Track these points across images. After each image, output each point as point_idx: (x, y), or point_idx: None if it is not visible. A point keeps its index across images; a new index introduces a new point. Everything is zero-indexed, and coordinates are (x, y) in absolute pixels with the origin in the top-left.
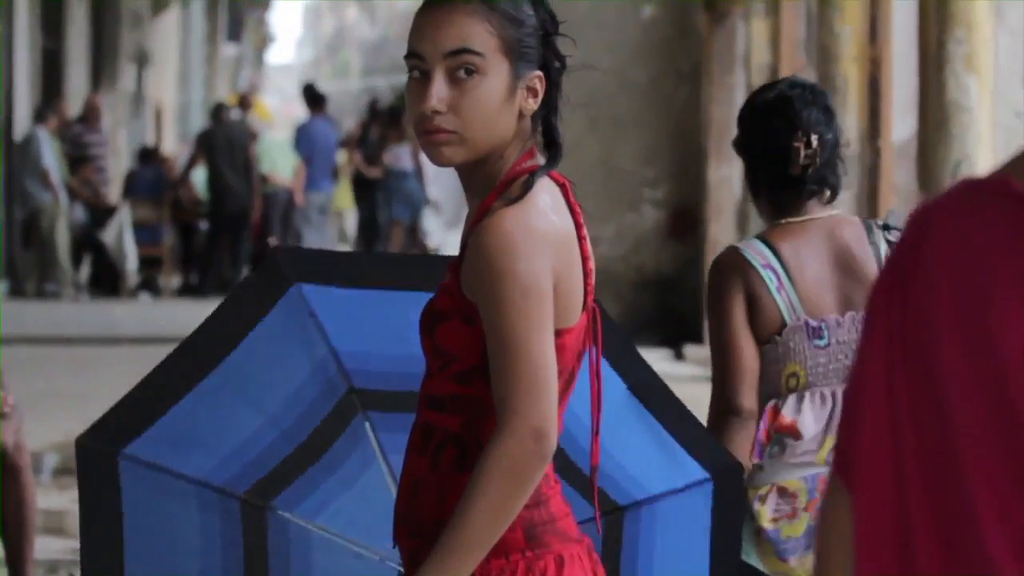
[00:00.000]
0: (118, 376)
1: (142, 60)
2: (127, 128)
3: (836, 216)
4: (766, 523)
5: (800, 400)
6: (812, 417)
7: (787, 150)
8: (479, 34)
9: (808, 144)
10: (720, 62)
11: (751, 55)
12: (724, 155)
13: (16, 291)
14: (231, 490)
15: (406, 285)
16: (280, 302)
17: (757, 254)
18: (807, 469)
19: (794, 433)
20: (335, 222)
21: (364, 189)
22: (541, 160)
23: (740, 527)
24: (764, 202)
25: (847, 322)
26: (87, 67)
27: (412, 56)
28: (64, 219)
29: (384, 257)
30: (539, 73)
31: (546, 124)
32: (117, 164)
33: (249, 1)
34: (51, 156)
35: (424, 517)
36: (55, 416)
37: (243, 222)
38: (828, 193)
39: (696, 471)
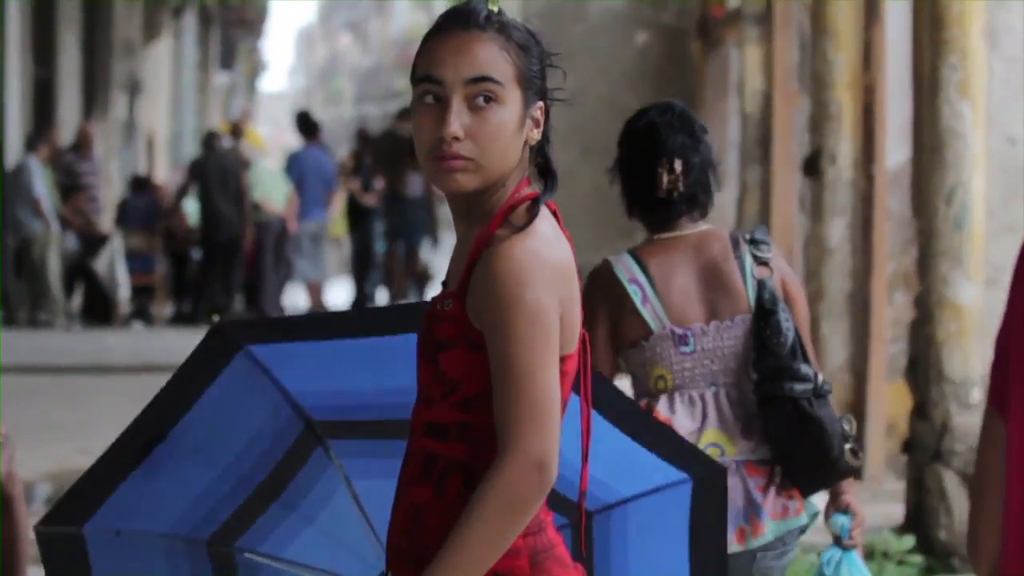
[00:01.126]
0: (111, 405)
1: (134, 88)
2: (119, 157)
3: (705, 231)
4: None
5: (672, 400)
6: (686, 416)
7: (652, 175)
8: (499, 63)
9: (671, 170)
10: (713, 89)
11: (744, 82)
12: (717, 182)
13: (8, 320)
14: (196, 536)
15: (348, 334)
16: (230, 364)
17: (626, 269)
18: None
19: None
20: (335, 250)
21: (359, 217)
22: (536, 188)
23: (724, 526)
24: (638, 220)
25: (712, 330)
26: (79, 96)
27: (428, 81)
28: (56, 248)
29: (320, 315)
30: (542, 104)
31: (541, 153)
32: (109, 193)
33: (241, 29)
34: (42, 185)
35: (429, 545)
36: (48, 446)
37: (235, 250)
38: (698, 212)
39: (672, 473)
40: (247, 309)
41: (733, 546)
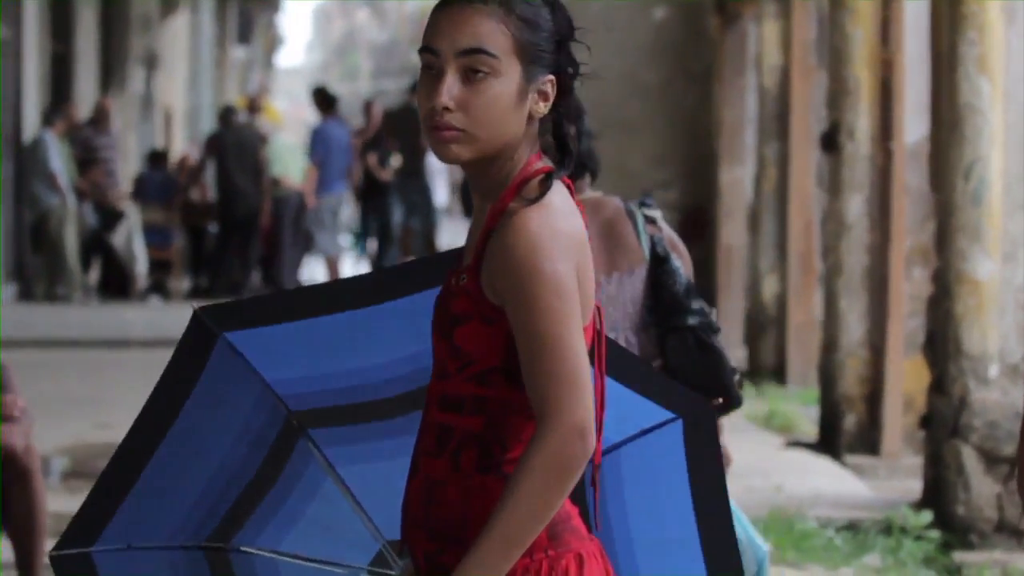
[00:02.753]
0: (128, 379)
1: (151, 63)
2: (136, 131)
3: (599, 196)
4: None
5: None
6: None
7: None
8: (494, 35)
9: None
10: (731, 64)
11: (762, 57)
12: (735, 157)
13: (25, 294)
14: (193, 543)
15: (330, 310)
16: (211, 358)
17: None
18: None
19: None
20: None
21: (374, 192)
22: (549, 162)
23: (719, 460)
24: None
25: (613, 281)
26: (96, 71)
27: (426, 51)
28: (73, 222)
29: (301, 290)
30: (551, 77)
31: (557, 128)
32: (126, 167)
33: (259, 4)
34: (58, 159)
35: (446, 518)
36: (64, 419)
37: (253, 225)
38: (589, 176)
39: (659, 413)
40: (264, 284)
41: None
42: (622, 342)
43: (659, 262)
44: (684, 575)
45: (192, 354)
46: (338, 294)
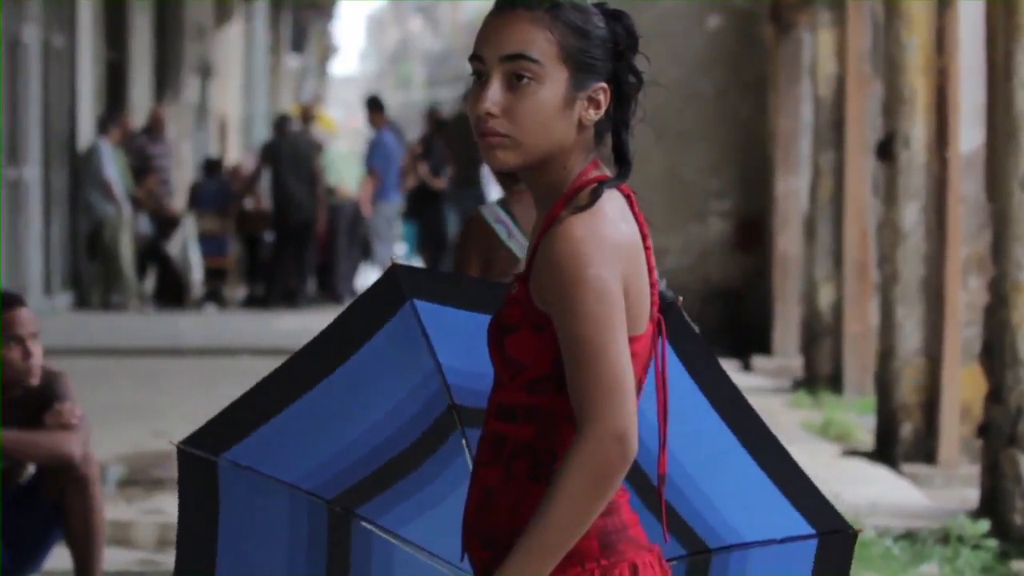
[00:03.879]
0: (183, 387)
1: (206, 72)
2: (191, 139)
3: None
4: None
5: None
6: None
7: None
8: (538, 42)
9: None
10: (786, 73)
11: (817, 66)
12: (791, 166)
13: (81, 303)
14: (320, 495)
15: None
16: (395, 316)
17: (492, 214)
18: None
19: None
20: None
21: (426, 201)
22: (607, 171)
23: None
24: (501, 179)
25: None
26: (151, 79)
27: (474, 58)
28: (128, 231)
29: (483, 280)
30: (603, 85)
31: (616, 138)
32: (181, 175)
33: (313, 12)
34: (113, 168)
35: (497, 527)
36: (120, 427)
37: (308, 233)
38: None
39: (800, 525)
40: (319, 292)
41: None
42: None
43: None
44: None
45: (378, 305)
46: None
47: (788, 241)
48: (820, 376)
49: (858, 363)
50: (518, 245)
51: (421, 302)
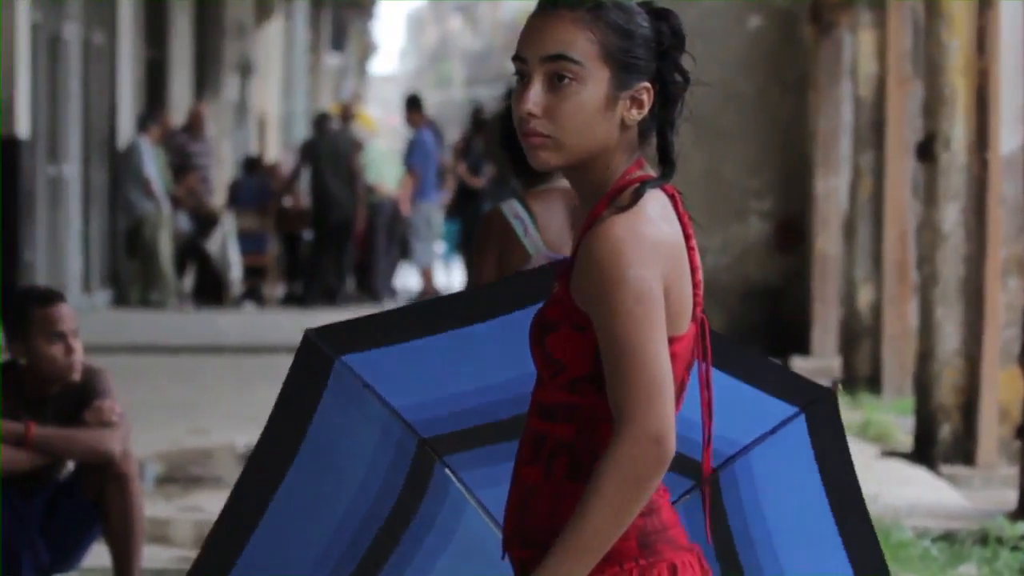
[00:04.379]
0: (222, 385)
1: (246, 70)
2: (231, 137)
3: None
4: None
5: None
6: None
7: None
8: (579, 42)
9: None
10: (826, 73)
11: (858, 66)
12: (830, 167)
13: (120, 300)
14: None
15: (441, 327)
16: (329, 383)
17: (511, 209)
18: None
19: None
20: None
21: (466, 200)
22: (651, 171)
23: (846, 449)
24: (520, 178)
25: None
26: (191, 77)
27: (516, 59)
28: (167, 228)
29: (413, 308)
30: (646, 84)
31: (660, 137)
32: (221, 173)
33: (353, 11)
34: (153, 165)
35: (537, 526)
36: (159, 425)
37: (347, 232)
38: None
39: (782, 409)
40: (358, 291)
41: None
42: None
43: None
44: (828, 572)
45: (309, 379)
46: (448, 311)
47: (827, 241)
48: (859, 377)
49: (897, 364)
50: (532, 243)
51: (349, 356)
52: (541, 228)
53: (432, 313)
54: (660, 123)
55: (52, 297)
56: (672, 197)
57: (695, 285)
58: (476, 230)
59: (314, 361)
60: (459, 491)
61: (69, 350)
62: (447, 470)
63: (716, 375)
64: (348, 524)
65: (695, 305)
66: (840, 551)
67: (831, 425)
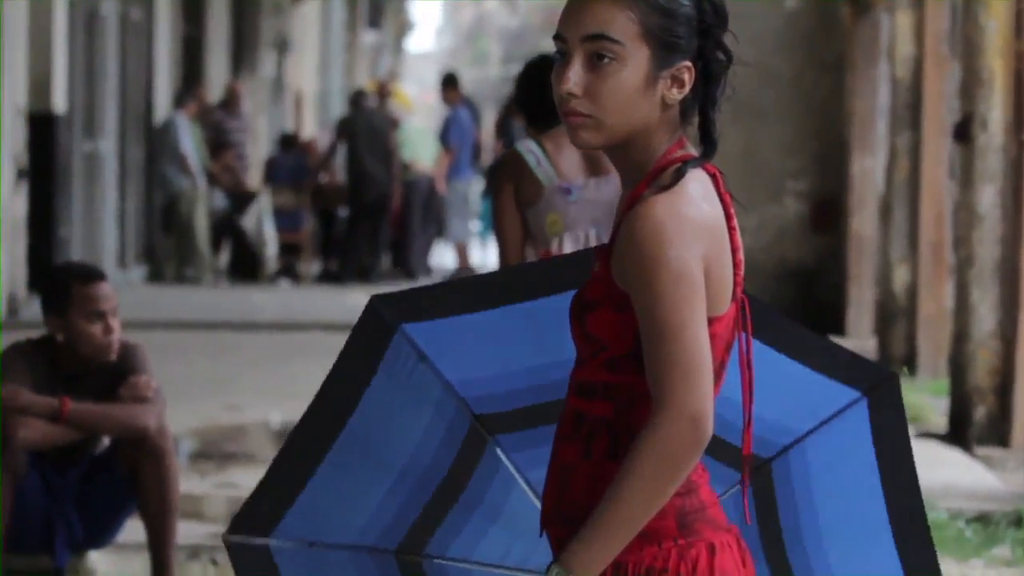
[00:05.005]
0: (256, 361)
1: (282, 47)
2: (267, 114)
3: None
4: None
5: (561, 242)
6: (572, 249)
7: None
8: (620, 21)
9: None
10: (864, 54)
11: (895, 47)
12: (867, 147)
13: (155, 276)
14: (383, 547)
15: (500, 302)
16: (388, 351)
17: (524, 146)
18: None
19: None
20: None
21: None
22: (692, 150)
23: (907, 438)
24: (534, 126)
25: (592, 184)
26: (227, 54)
27: (557, 38)
28: (203, 205)
29: (471, 281)
30: (687, 63)
31: (702, 116)
32: (257, 150)
33: None
34: (189, 141)
35: (575, 504)
36: (193, 401)
37: (383, 209)
38: None
39: (844, 393)
40: (393, 268)
41: None
42: (593, 240)
43: None
44: (877, 570)
45: (369, 344)
46: (511, 284)
47: (863, 222)
48: (894, 358)
49: (932, 345)
50: (545, 174)
51: (409, 325)
52: (553, 161)
53: (491, 286)
54: (701, 102)
55: (93, 275)
56: (714, 176)
57: (736, 265)
58: (493, 170)
59: (376, 327)
60: (509, 470)
61: (108, 329)
62: (498, 449)
63: (777, 358)
64: (394, 496)
65: (735, 285)
66: (891, 549)
67: (893, 412)
